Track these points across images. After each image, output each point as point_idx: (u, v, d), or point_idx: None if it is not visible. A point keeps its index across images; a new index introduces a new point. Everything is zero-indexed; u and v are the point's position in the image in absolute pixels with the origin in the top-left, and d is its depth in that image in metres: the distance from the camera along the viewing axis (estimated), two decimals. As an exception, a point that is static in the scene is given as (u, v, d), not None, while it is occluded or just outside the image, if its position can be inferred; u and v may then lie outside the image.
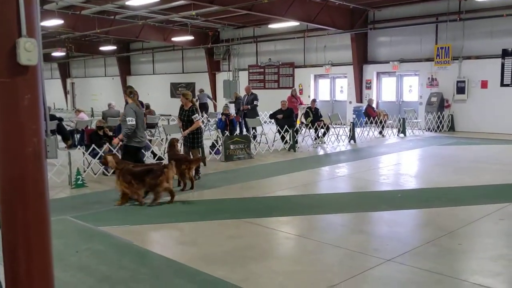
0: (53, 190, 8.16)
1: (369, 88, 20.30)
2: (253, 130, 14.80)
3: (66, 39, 25.59)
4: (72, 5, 19.37)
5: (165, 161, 9.52)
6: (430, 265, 4.77)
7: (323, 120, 14.91)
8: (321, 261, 5.03)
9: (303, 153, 12.95)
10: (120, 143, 8.34)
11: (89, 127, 13.09)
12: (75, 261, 4.99)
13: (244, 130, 15.15)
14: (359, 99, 20.40)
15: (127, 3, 17.45)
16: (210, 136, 15.63)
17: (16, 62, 2.79)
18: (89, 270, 4.76)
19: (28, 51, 2.79)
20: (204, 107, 21.03)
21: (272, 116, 14.81)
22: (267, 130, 14.37)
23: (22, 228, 2.93)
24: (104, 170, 9.53)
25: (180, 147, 9.54)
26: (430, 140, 15.29)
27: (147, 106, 16.64)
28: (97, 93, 34.39)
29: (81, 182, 8.72)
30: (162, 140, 12.58)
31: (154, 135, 16.03)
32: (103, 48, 29.42)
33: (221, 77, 26.49)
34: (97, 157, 9.43)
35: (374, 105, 18.31)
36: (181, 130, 9.40)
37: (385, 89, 20.51)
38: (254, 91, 16.80)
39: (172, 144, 8.87)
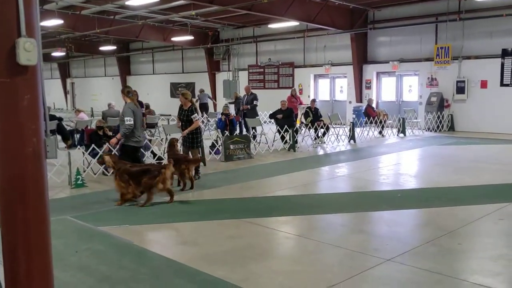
0: (53, 190, 8.15)
1: (369, 88, 20.30)
2: (253, 130, 14.80)
3: (66, 39, 25.59)
4: (72, 5, 19.36)
5: (165, 161, 9.54)
6: (430, 265, 4.77)
7: (323, 120, 14.91)
8: (321, 261, 5.03)
9: (303, 153, 12.95)
10: (119, 142, 8.34)
11: (89, 127, 13.09)
12: (75, 261, 4.99)
13: (244, 130, 15.15)
14: (359, 99, 20.40)
15: (127, 3, 17.45)
16: (210, 136, 15.63)
17: (16, 62, 2.79)
18: (89, 270, 4.76)
19: (28, 51, 2.79)
20: (204, 107, 21.04)
21: (272, 116, 14.81)
22: (267, 130, 14.37)
23: (22, 228, 2.93)
24: (104, 170, 9.52)
25: (180, 147, 9.54)
26: (430, 140, 15.29)
27: (147, 106, 16.64)
28: (97, 93, 34.40)
29: (81, 182, 8.72)
30: (162, 140, 12.58)
31: (154, 135, 16.03)
32: (103, 48, 29.43)
33: (221, 77, 26.50)
34: (97, 157, 9.43)
35: (374, 105, 18.31)
36: (180, 130, 9.40)
37: (385, 89, 20.51)
38: (254, 91, 16.81)
39: (172, 144, 8.87)
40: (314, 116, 15.00)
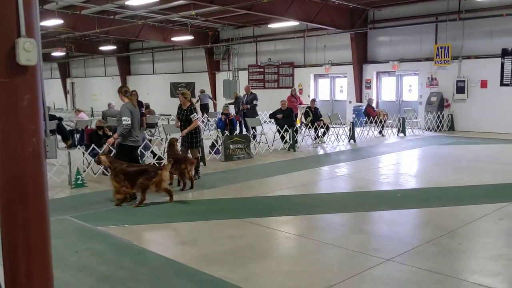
0: (53, 190, 8.15)
1: (369, 87, 20.30)
2: (253, 130, 14.80)
3: (66, 39, 25.59)
4: (72, 5, 19.36)
5: (165, 161, 9.53)
6: (430, 264, 4.77)
7: (322, 120, 14.91)
8: (321, 261, 5.03)
9: (302, 152, 12.95)
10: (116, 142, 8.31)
11: (89, 127, 13.09)
12: (75, 261, 4.99)
13: (244, 129, 15.15)
14: (359, 98, 20.40)
15: (126, 3, 17.44)
16: (210, 135, 15.63)
17: (16, 62, 2.78)
18: (89, 270, 4.76)
19: (27, 51, 2.79)
20: (205, 108, 21.04)
21: (271, 115, 14.81)
22: (267, 130, 14.37)
23: (21, 228, 2.93)
24: (104, 170, 9.51)
25: (179, 147, 9.53)
26: (429, 139, 15.29)
27: (147, 106, 16.62)
28: (97, 93, 34.40)
29: (81, 182, 8.72)
30: (162, 140, 12.58)
31: (154, 134, 16.04)
32: (103, 48, 29.43)
33: (221, 77, 26.50)
34: (96, 157, 9.42)
35: (374, 105, 18.31)
36: (179, 129, 9.39)
37: (385, 89, 20.51)
38: (254, 90, 16.81)
39: (172, 144, 8.87)
40: (314, 116, 15.00)
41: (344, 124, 17.15)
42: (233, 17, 21.61)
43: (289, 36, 22.37)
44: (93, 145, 9.72)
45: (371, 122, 16.19)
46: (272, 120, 15.14)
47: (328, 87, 22.50)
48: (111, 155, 7.93)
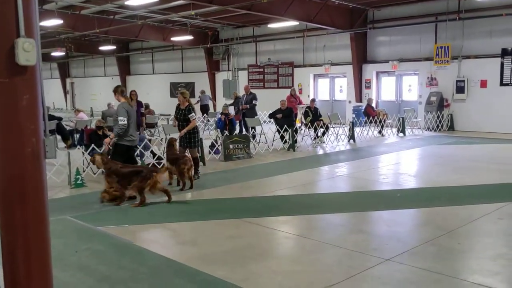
0: (53, 190, 8.15)
1: (368, 87, 20.30)
2: (253, 130, 14.80)
3: (65, 39, 25.60)
4: (71, 5, 19.36)
5: (164, 161, 9.54)
6: (429, 264, 4.77)
7: (322, 120, 14.91)
8: (321, 261, 5.03)
9: (302, 152, 12.95)
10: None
11: (88, 127, 13.10)
12: (74, 261, 4.99)
13: (244, 129, 15.14)
14: (359, 98, 20.40)
15: (126, 3, 17.44)
16: (210, 135, 15.63)
17: (15, 62, 2.78)
18: (89, 270, 4.76)
19: (27, 51, 2.79)
20: (205, 109, 21.04)
21: (271, 115, 14.81)
22: (267, 130, 14.37)
23: (21, 228, 2.93)
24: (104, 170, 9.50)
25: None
26: (429, 139, 15.29)
27: (147, 106, 16.64)
28: (97, 93, 34.39)
29: (81, 182, 8.72)
30: (161, 139, 12.58)
31: (153, 134, 16.04)
32: (103, 48, 29.43)
33: (220, 76, 26.50)
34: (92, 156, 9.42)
35: (373, 105, 18.30)
36: (177, 129, 9.38)
37: (385, 89, 20.51)
38: (253, 90, 16.81)
39: (171, 143, 8.87)
40: (313, 115, 15.01)
41: (343, 124, 17.15)
42: (233, 17, 21.60)
43: (288, 36, 22.37)
44: (92, 145, 9.72)
45: (370, 122, 16.19)
46: (272, 120, 15.14)
47: (328, 87, 22.50)
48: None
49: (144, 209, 7.12)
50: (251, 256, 5.12)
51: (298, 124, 15.90)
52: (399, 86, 19.93)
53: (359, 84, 20.36)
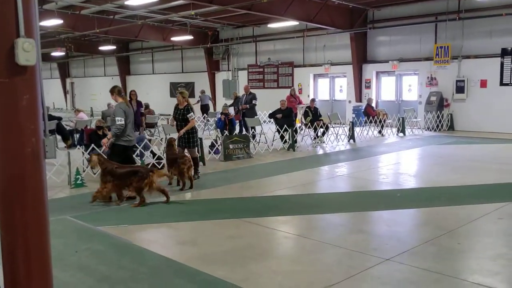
0: (53, 190, 8.15)
1: (368, 87, 20.30)
2: (252, 130, 14.80)
3: (65, 38, 25.60)
4: (71, 5, 19.36)
5: (164, 161, 9.53)
6: (429, 264, 4.77)
7: (322, 120, 14.91)
8: (321, 261, 5.03)
9: (302, 152, 12.95)
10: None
11: (88, 127, 13.10)
12: (74, 261, 4.99)
13: (244, 129, 15.14)
14: (359, 98, 20.40)
15: (126, 2, 17.44)
16: (210, 135, 15.62)
17: (15, 62, 2.78)
18: (89, 270, 4.76)
19: (26, 51, 2.78)
20: (205, 109, 21.04)
21: (271, 115, 14.81)
22: (266, 130, 14.37)
23: (21, 228, 2.93)
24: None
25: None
26: (429, 139, 15.29)
27: (147, 106, 16.65)
28: (97, 93, 34.37)
29: (81, 182, 8.72)
30: (161, 139, 12.58)
31: (153, 134, 16.04)
32: (103, 48, 29.43)
33: (220, 76, 26.50)
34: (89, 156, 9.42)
35: (373, 105, 18.30)
36: (176, 129, 9.37)
37: (385, 89, 20.51)
38: (253, 90, 16.80)
39: (170, 143, 8.86)
40: (313, 115, 15.00)
41: (343, 124, 17.15)
42: (233, 17, 21.60)
43: (288, 36, 22.37)
44: (92, 145, 9.71)
45: (370, 122, 16.19)
46: (272, 120, 15.14)
47: (328, 87, 22.50)
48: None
49: (144, 209, 7.12)
50: (251, 256, 5.12)
51: (298, 124, 15.91)
52: (399, 86, 19.93)
53: (359, 84, 20.36)
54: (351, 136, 14.90)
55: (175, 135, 9.60)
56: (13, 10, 2.77)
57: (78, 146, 10.85)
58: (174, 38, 24.47)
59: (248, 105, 15.16)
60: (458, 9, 17.04)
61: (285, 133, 13.32)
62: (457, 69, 17.35)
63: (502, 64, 16.31)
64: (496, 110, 16.51)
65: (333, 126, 15.41)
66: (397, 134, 16.42)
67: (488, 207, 6.85)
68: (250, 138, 12.73)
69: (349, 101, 20.86)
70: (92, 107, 28.87)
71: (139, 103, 13.19)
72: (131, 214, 6.93)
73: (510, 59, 16.16)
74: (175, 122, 9.35)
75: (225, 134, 12.07)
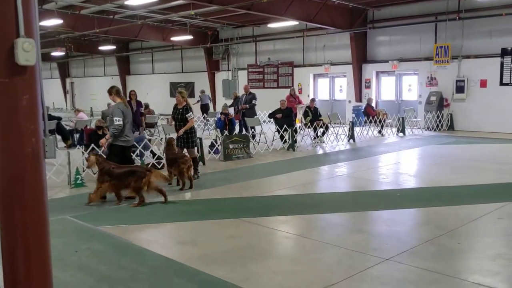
0: (53, 190, 8.15)
1: (368, 87, 20.30)
2: (252, 130, 14.80)
3: (65, 38, 25.60)
4: (71, 5, 19.36)
5: (164, 161, 9.53)
6: (429, 264, 4.78)
7: (322, 120, 14.91)
8: (320, 261, 5.03)
9: (302, 152, 12.95)
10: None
11: (88, 127, 13.10)
12: (74, 261, 4.99)
13: (243, 129, 15.14)
14: (359, 98, 20.40)
15: (126, 2, 17.44)
16: (210, 135, 15.62)
17: (15, 62, 2.78)
18: (89, 269, 4.76)
19: (26, 51, 2.78)
20: (205, 108, 21.04)
21: (271, 115, 14.81)
22: (266, 130, 14.37)
23: (20, 228, 2.93)
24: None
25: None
26: (429, 139, 15.30)
27: (146, 106, 16.64)
28: (97, 93, 34.36)
29: (81, 182, 8.72)
30: (161, 139, 12.57)
31: (153, 134, 16.04)
32: (103, 48, 29.42)
33: (220, 76, 26.49)
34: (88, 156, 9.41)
35: (373, 104, 18.30)
36: (174, 129, 9.37)
37: (385, 88, 20.51)
38: (253, 90, 16.80)
39: (170, 143, 8.86)
40: (313, 115, 15.00)
41: (343, 124, 17.14)
42: (233, 17, 21.60)
43: (288, 36, 22.36)
44: (92, 145, 9.71)
45: (370, 122, 16.19)
46: (271, 120, 15.14)
47: (328, 87, 22.50)
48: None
49: (143, 209, 7.12)
50: (251, 256, 5.12)
51: (298, 124, 15.91)
52: (399, 86, 19.93)
53: (359, 84, 20.36)
54: (351, 136, 14.90)
55: (174, 135, 9.61)
56: (13, 10, 2.77)
57: (78, 146, 10.85)
58: (174, 38, 24.47)
59: (248, 105, 15.15)
60: (458, 9, 17.04)
61: (285, 133, 13.32)
62: (457, 69, 17.35)
63: (502, 64, 16.32)
64: (496, 110, 16.50)
65: (333, 126, 15.41)
66: (397, 134, 16.43)
67: (488, 207, 6.85)
68: (250, 138, 12.73)
69: (349, 101, 20.86)
70: (92, 107, 28.84)
71: (139, 103, 13.20)
72: (131, 214, 6.93)
73: (510, 59, 16.16)
74: (173, 122, 9.34)
75: (225, 134, 12.07)
